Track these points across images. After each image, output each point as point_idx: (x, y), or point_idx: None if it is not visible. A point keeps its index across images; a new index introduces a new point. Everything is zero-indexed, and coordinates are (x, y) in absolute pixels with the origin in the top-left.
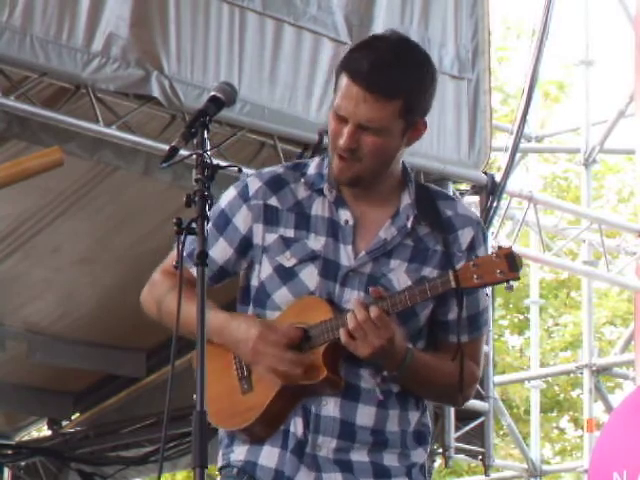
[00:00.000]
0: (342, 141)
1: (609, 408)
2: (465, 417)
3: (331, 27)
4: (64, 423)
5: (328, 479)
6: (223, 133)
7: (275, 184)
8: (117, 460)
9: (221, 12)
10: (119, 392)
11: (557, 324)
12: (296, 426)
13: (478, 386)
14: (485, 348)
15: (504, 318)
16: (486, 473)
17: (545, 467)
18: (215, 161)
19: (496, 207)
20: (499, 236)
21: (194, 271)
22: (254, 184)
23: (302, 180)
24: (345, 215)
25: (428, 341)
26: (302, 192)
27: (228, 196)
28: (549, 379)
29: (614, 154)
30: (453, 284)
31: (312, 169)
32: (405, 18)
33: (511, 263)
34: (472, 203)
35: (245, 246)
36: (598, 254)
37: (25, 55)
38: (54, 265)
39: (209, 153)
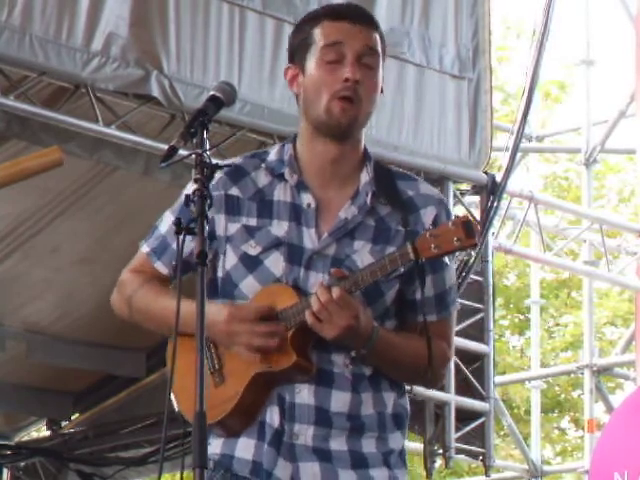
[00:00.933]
0: (349, 75)
1: (610, 408)
2: (465, 417)
3: None
4: (64, 423)
5: (305, 469)
6: (223, 133)
7: (235, 174)
8: (116, 461)
9: (221, 12)
10: (119, 392)
11: (558, 324)
12: (272, 416)
13: (478, 386)
14: (485, 348)
15: (505, 318)
16: (486, 474)
17: (546, 468)
18: (215, 161)
19: (497, 207)
20: (499, 236)
21: (159, 266)
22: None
23: (262, 166)
24: (307, 198)
25: (398, 322)
26: (263, 179)
27: (190, 189)
28: (550, 379)
29: (615, 154)
30: (412, 255)
31: (272, 155)
32: (405, 18)
33: (468, 230)
34: (473, 203)
35: (209, 237)
36: (599, 254)
37: (24, 54)
38: (54, 265)
39: (208, 153)
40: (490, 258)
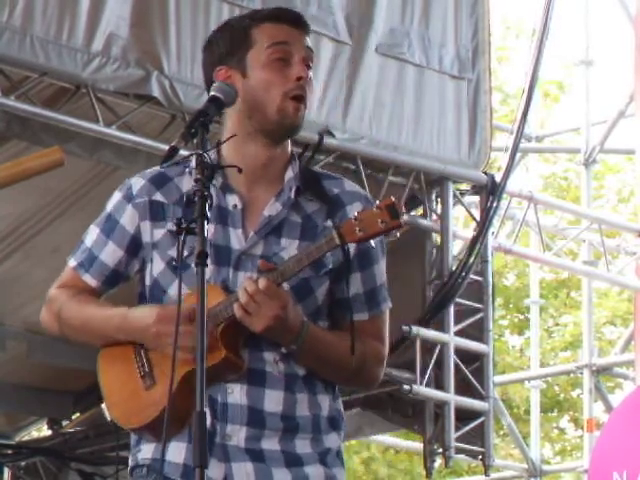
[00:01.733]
0: (302, 73)
1: (609, 408)
2: (465, 417)
3: (331, 27)
4: (64, 423)
5: (238, 469)
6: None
7: (158, 180)
8: (117, 460)
9: (221, 12)
10: None
11: (557, 324)
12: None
13: (478, 386)
14: (485, 348)
15: (504, 318)
16: (486, 473)
17: (545, 467)
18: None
19: (496, 207)
20: (499, 236)
21: (87, 278)
22: (137, 183)
23: (187, 171)
24: (233, 200)
25: (331, 323)
26: (187, 184)
27: (113, 200)
28: (549, 379)
29: (614, 154)
30: (337, 240)
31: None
32: (405, 18)
33: (392, 212)
34: (472, 203)
35: (135, 245)
36: (598, 254)
37: (25, 55)
38: (54, 265)
39: (209, 153)
40: (490, 258)
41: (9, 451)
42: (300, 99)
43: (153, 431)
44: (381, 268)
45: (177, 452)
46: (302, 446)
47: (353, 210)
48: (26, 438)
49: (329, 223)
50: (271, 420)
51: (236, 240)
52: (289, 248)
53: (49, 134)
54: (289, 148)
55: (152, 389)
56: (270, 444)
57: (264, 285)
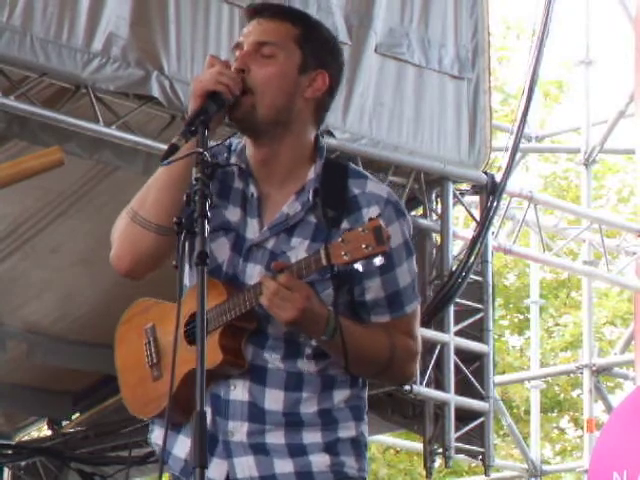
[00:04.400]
0: (237, 66)
1: (609, 408)
2: (465, 417)
3: (331, 27)
4: (64, 423)
5: (240, 464)
6: (223, 133)
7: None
8: (117, 460)
9: (221, 12)
10: (119, 392)
11: (557, 324)
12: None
13: (478, 386)
14: (485, 348)
15: (504, 318)
16: (486, 473)
17: (545, 467)
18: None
19: (496, 207)
20: (499, 236)
21: None
22: None
23: (231, 150)
24: (252, 188)
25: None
26: (223, 158)
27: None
28: (549, 379)
29: (614, 154)
30: (324, 262)
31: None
32: (405, 18)
33: (378, 236)
34: (472, 203)
35: None
36: (598, 254)
37: (25, 55)
38: (54, 265)
39: (209, 152)
40: (490, 258)
41: (9, 451)
42: (243, 92)
43: (161, 422)
44: (404, 270)
45: (182, 446)
46: (310, 437)
47: (369, 213)
48: (26, 438)
49: (344, 226)
50: (272, 417)
51: (251, 230)
52: (298, 248)
53: (49, 134)
54: (304, 142)
55: (159, 381)
56: (274, 438)
57: (285, 279)
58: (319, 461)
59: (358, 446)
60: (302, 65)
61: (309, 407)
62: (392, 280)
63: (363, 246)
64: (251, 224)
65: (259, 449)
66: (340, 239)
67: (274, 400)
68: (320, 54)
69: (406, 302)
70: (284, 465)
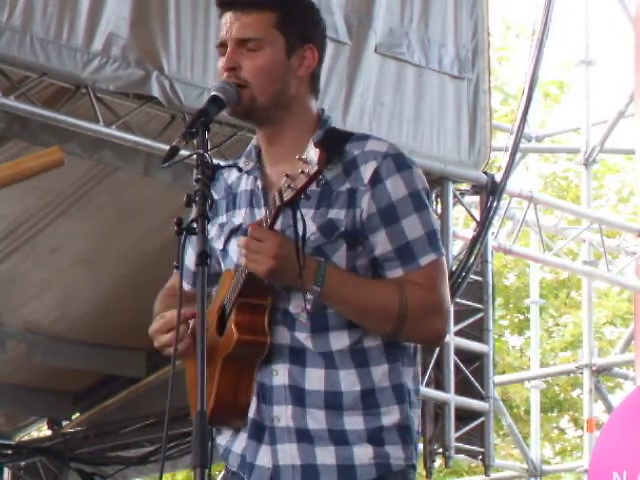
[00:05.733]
0: (226, 64)
1: (609, 408)
2: (465, 417)
3: (331, 27)
4: (64, 423)
5: (283, 450)
6: (223, 133)
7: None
8: (117, 460)
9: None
10: (119, 392)
11: (557, 324)
12: (252, 407)
13: (478, 386)
14: (485, 348)
15: (504, 318)
16: (486, 473)
17: (545, 467)
18: (215, 161)
19: (496, 207)
20: (499, 236)
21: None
22: None
23: (234, 164)
24: (258, 182)
25: None
26: (233, 176)
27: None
28: (549, 379)
29: (614, 154)
30: (278, 202)
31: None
32: (405, 18)
33: (310, 160)
34: (472, 203)
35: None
36: (598, 254)
37: (25, 55)
38: (54, 265)
39: (209, 153)
40: (490, 258)
41: (9, 451)
42: (240, 86)
43: (217, 424)
44: (413, 222)
45: (239, 442)
46: (352, 423)
47: (366, 170)
48: (26, 438)
49: (346, 187)
50: (313, 398)
51: (259, 218)
52: (305, 218)
53: (49, 134)
54: (305, 119)
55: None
56: (317, 423)
57: (253, 230)
58: (362, 454)
59: (405, 432)
60: (288, 48)
61: (353, 385)
62: (399, 232)
63: (301, 173)
64: (258, 214)
65: (303, 436)
66: (285, 177)
67: (315, 380)
68: (303, 31)
69: (419, 254)
70: (326, 455)
